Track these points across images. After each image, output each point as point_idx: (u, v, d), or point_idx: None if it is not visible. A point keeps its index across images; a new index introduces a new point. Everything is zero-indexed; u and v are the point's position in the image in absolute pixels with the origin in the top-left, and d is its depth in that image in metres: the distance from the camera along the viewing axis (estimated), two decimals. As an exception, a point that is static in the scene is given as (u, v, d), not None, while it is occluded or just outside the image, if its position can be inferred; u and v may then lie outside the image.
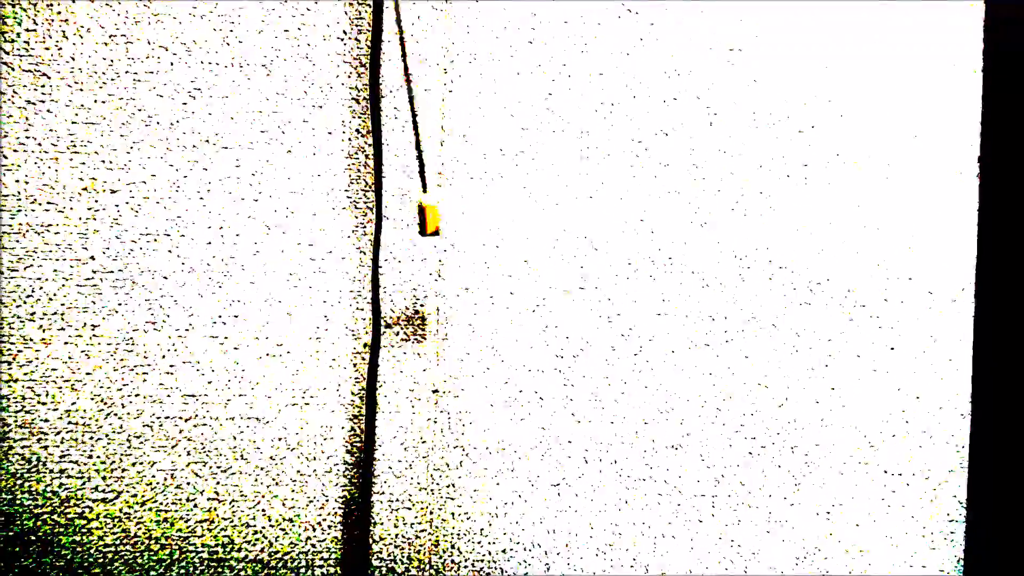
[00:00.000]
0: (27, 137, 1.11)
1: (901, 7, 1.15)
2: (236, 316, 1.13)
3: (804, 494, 1.16)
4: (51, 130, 1.11)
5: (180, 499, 1.13)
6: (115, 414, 1.13)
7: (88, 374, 1.12)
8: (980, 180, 1.16)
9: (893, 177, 1.16)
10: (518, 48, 1.14)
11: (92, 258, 1.12)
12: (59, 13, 1.11)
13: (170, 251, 1.12)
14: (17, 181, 1.11)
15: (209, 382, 1.13)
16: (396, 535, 1.14)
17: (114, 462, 1.13)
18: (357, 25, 1.13)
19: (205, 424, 1.13)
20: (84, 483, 1.13)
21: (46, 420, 1.12)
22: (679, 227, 1.15)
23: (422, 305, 1.01)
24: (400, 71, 0.92)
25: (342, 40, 1.13)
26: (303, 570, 1.14)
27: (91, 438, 1.12)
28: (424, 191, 1.01)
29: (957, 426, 1.16)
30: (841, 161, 1.16)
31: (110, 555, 1.13)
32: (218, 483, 1.13)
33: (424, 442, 1.15)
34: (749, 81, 1.15)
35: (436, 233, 1.02)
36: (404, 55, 0.93)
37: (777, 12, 1.15)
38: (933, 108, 1.16)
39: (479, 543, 1.15)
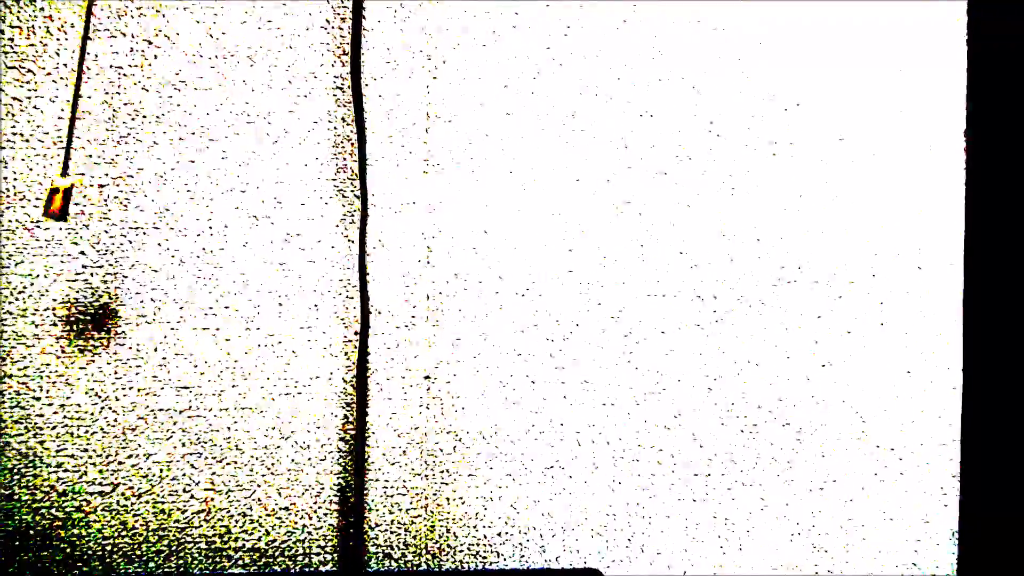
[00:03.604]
0: (14, 133, 1.11)
1: (884, -18, 1.15)
2: (227, 307, 1.13)
3: (797, 471, 1.17)
4: (38, 126, 1.11)
5: (176, 490, 1.14)
6: (110, 407, 1.13)
7: (82, 368, 1.13)
8: (967, 154, 1.16)
9: (880, 153, 1.16)
10: (502, 32, 1.14)
11: (83, 253, 1.12)
12: (42, 9, 1.11)
13: (159, 244, 1.13)
14: (5, 178, 1.12)
15: (202, 374, 1.13)
16: (391, 521, 1.15)
17: (110, 455, 1.13)
18: (339, 14, 1.12)
19: (199, 415, 1.14)
20: (81, 477, 1.13)
21: (41, 415, 1.13)
22: (666, 208, 1.15)
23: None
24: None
25: (325, 29, 1.13)
26: (300, 558, 1.15)
27: (86, 432, 1.13)
28: (62, 175, 1.01)
29: (949, 400, 1.16)
30: (827, 138, 1.16)
31: (108, 547, 1.14)
32: (214, 474, 1.14)
33: (417, 428, 1.15)
34: (733, 60, 1.15)
35: (60, 216, 1.01)
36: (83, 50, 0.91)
37: (760, -10, 1.15)
38: (919, 82, 1.16)
39: (475, 528, 1.16)
